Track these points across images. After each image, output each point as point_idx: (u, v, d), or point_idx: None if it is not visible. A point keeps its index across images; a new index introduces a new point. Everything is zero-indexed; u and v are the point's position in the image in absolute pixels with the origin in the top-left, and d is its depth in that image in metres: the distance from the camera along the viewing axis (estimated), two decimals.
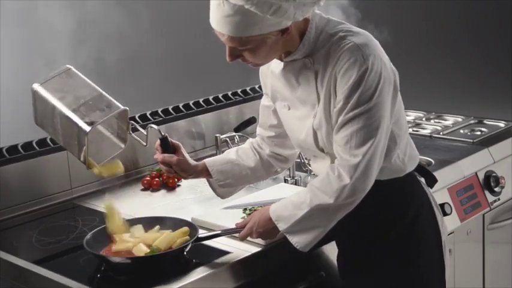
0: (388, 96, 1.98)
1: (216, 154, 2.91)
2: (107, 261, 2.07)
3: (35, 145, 2.67)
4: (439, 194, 2.65)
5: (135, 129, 2.21)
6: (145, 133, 2.21)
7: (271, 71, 2.14)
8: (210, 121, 3.17)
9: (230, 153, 2.33)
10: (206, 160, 2.30)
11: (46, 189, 2.67)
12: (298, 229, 2.01)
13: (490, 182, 3.00)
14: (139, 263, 2.04)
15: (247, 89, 3.39)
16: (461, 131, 3.38)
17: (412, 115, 3.64)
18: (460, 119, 3.55)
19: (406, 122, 2.14)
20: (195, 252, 2.13)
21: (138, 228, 2.18)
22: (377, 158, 1.96)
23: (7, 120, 4.69)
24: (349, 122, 1.95)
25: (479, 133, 3.33)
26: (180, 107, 3.13)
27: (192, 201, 2.65)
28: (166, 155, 2.20)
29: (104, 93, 2.15)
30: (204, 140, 3.14)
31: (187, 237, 2.12)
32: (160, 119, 3.00)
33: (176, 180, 2.79)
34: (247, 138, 2.56)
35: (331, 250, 2.30)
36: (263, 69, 2.22)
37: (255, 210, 2.32)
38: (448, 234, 2.41)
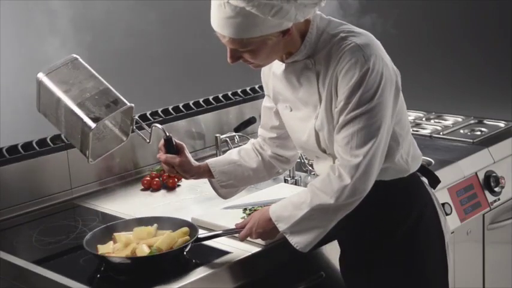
0: (390, 96, 1.97)
1: (216, 154, 2.91)
2: (107, 261, 2.06)
3: (35, 145, 2.67)
4: (439, 194, 2.63)
5: (139, 127, 2.21)
6: (149, 131, 2.21)
7: (273, 73, 2.14)
8: (210, 121, 3.17)
9: (232, 154, 2.33)
10: (208, 161, 2.29)
11: (46, 189, 2.66)
12: (298, 229, 2.00)
13: (490, 182, 2.99)
14: (139, 263, 2.04)
15: (247, 89, 3.39)
16: (461, 131, 3.38)
17: (412, 115, 3.63)
18: (460, 119, 3.55)
19: (408, 122, 2.13)
20: (195, 252, 2.12)
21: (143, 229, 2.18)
22: (378, 158, 1.96)
23: (7, 120, 4.70)
24: (350, 122, 1.94)
25: (479, 133, 3.33)
26: (180, 107, 3.13)
27: (192, 201, 2.65)
28: (169, 155, 2.20)
29: (110, 87, 2.13)
30: (204, 140, 3.14)
31: (187, 237, 2.12)
32: (160, 119, 2.99)
33: (176, 180, 2.78)
34: (247, 138, 2.56)
35: (331, 250, 2.30)
36: (265, 71, 2.21)
37: (255, 210, 2.32)
38: None
